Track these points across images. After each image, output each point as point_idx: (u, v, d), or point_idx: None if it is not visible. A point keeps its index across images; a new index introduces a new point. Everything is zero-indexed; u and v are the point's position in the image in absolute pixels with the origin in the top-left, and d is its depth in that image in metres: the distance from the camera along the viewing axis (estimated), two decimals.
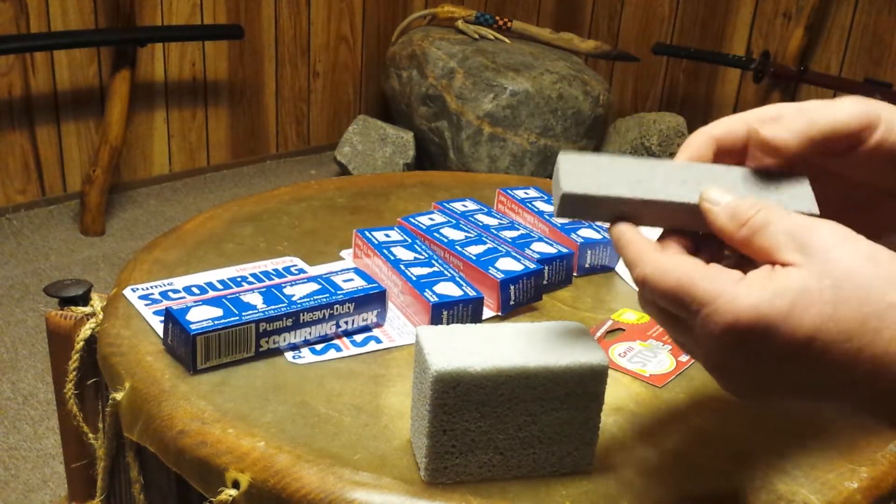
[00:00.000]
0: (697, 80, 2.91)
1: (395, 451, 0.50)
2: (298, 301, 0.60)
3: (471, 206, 0.80)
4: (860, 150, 0.44)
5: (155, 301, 0.64)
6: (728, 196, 0.42)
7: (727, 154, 0.46)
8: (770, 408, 0.47)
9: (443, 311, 0.62)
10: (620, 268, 0.76)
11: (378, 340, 0.62)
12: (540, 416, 0.48)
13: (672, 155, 2.68)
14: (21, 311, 1.98)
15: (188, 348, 0.55)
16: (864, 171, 0.46)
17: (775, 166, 0.45)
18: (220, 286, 0.66)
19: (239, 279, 0.68)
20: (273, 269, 0.70)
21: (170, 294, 0.65)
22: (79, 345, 0.63)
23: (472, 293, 0.64)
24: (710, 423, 0.55)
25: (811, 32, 2.57)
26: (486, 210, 0.80)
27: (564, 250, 0.72)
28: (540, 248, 0.72)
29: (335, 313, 0.61)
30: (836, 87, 2.46)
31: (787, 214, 0.40)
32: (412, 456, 0.50)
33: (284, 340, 0.59)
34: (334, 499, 0.46)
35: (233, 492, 0.48)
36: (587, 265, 0.75)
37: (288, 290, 0.61)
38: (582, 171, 0.44)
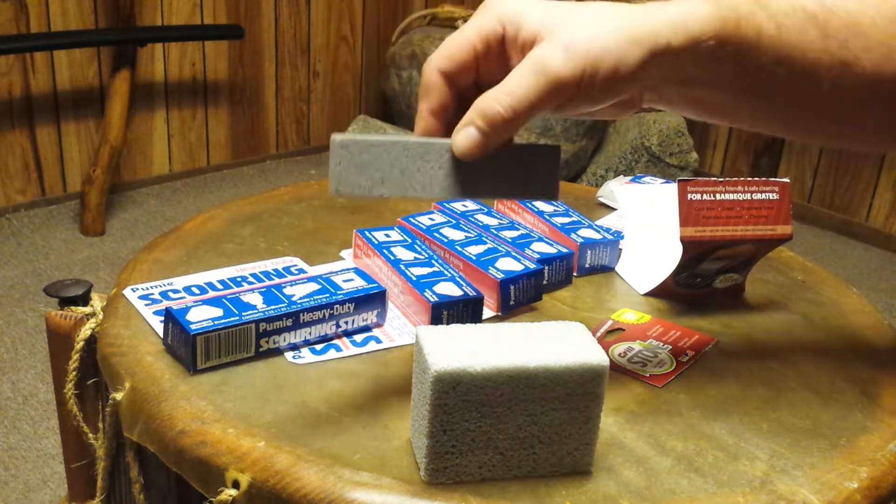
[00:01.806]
0: None
1: (395, 451, 0.50)
2: (298, 301, 0.60)
3: (471, 206, 0.80)
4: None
5: (155, 301, 0.64)
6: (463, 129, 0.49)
7: (461, 79, 0.51)
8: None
9: (443, 311, 0.62)
10: (620, 268, 0.76)
11: (378, 340, 0.62)
12: (540, 416, 0.48)
13: (672, 155, 2.69)
14: (21, 311, 1.98)
15: (188, 348, 0.55)
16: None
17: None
18: (220, 286, 0.66)
19: (239, 279, 0.68)
20: (273, 269, 0.70)
21: (170, 294, 0.65)
22: (79, 345, 0.63)
23: (472, 293, 0.64)
24: (711, 424, 0.55)
25: None
26: (486, 210, 0.80)
27: (564, 250, 0.72)
28: (540, 248, 0.72)
29: (335, 313, 0.61)
30: None
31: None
32: (412, 456, 0.50)
33: (284, 340, 0.59)
34: (334, 499, 0.46)
35: (233, 492, 0.48)
36: (587, 265, 0.75)
37: (288, 290, 0.61)
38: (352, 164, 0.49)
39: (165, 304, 0.63)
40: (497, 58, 0.51)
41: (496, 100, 0.48)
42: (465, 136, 0.49)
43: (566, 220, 0.78)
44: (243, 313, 0.58)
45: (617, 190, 0.86)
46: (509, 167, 0.52)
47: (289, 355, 0.59)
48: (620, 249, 0.77)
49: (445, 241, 0.72)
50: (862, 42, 0.50)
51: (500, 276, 0.66)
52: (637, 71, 0.48)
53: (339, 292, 0.62)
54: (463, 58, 0.50)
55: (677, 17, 0.48)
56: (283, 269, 0.70)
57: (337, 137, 0.49)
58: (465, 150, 0.49)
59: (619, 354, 0.63)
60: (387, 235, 0.72)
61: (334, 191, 0.49)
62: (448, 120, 0.51)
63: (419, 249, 0.70)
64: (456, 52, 0.50)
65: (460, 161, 0.50)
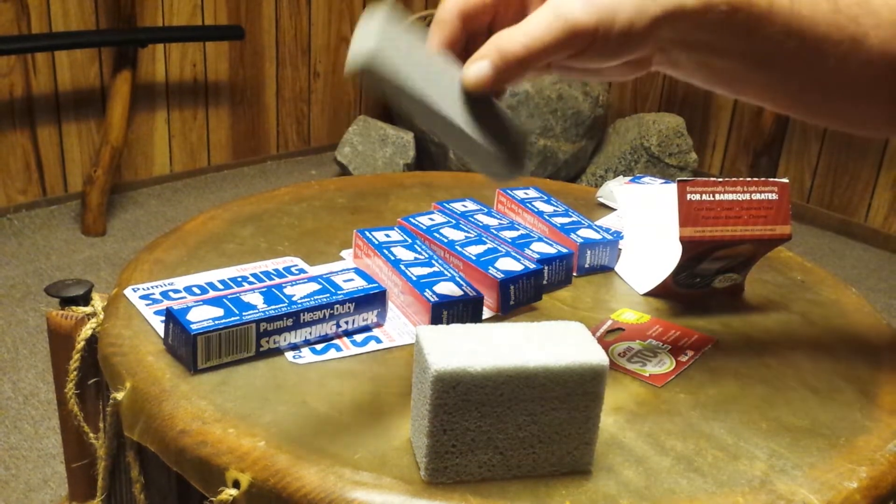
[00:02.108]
0: None
1: (395, 451, 0.50)
2: (299, 301, 0.60)
3: (471, 206, 0.80)
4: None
5: (156, 301, 0.64)
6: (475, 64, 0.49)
7: (477, 22, 0.51)
8: None
9: (443, 311, 0.63)
10: (620, 268, 0.76)
11: (378, 340, 0.62)
12: (540, 416, 0.48)
13: (671, 155, 2.69)
14: (22, 310, 1.98)
15: (189, 348, 0.56)
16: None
17: None
18: (220, 286, 0.66)
19: (239, 279, 0.68)
20: (273, 269, 0.70)
21: (170, 294, 0.65)
22: (80, 345, 0.64)
23: (472, 293, 0.64)
24: (710, 423, 0.55)
25: None
26: (486, 210, 0.80)
27: (564, 250, 0.72)
28: (540, 248, 0.72)
29: (335, 313, 0.61)
30: None
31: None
32: (412, 456, 0.50)
33: (285, 340, 0.59)
34: (334, 498, 0.46)
35: (233, 491, 0.48)
36: (587, 265, 0.75)
37: (288, 290, 0.62)
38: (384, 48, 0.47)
39: (166, 304, 0.63)
40: (516, 4, 0.51)
41: (512, 37, 0.48)
42: (478, 68, 0.49)
43: (566, 220, 0.78)
44: (244, 313, 0.58)
45: (616, 190, 0.86)
46: (495, 126, 0.52)
47: (289, 355, 0.59)
48: (620, 249, 0.77)
49: (445, 241, 0.72)
50: (873, 19, 0.50)
51: (500, 276, 0.66)
52: (652, 27, 0.48)
53: (339, 292, 0.62)
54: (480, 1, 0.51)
55: None
56: (284, 269, 0.70)
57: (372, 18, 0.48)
58: (474, 82, 0.49)
59: (619, 354, 0.63)
60: (387, 235, 0.72)
61: (368, 58, 0.46)
62: (456, 56, 0.51)
63: (419, 249, 0.70)
64: None
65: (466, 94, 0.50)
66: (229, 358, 0.57)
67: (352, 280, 0.64)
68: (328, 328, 0.61)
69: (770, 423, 0.56)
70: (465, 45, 0.52)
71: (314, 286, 0.62)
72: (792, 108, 0.56)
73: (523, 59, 0.48)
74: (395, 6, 0.51)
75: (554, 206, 0.82)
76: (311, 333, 0.60)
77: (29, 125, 2.41)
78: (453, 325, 0.49)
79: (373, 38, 0.47)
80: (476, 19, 0.51)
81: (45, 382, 1.72)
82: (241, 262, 0.71)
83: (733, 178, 0.66)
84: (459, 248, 0.70)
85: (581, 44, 0.48)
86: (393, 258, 0.68)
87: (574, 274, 0.74)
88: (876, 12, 0.51)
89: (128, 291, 0.65)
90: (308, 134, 3.07)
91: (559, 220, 0.78)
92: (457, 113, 0.49)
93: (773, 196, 0.66)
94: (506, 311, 0.67)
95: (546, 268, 0.70)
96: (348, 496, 0.46)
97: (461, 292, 0.64)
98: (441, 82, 0.49)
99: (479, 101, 0.50)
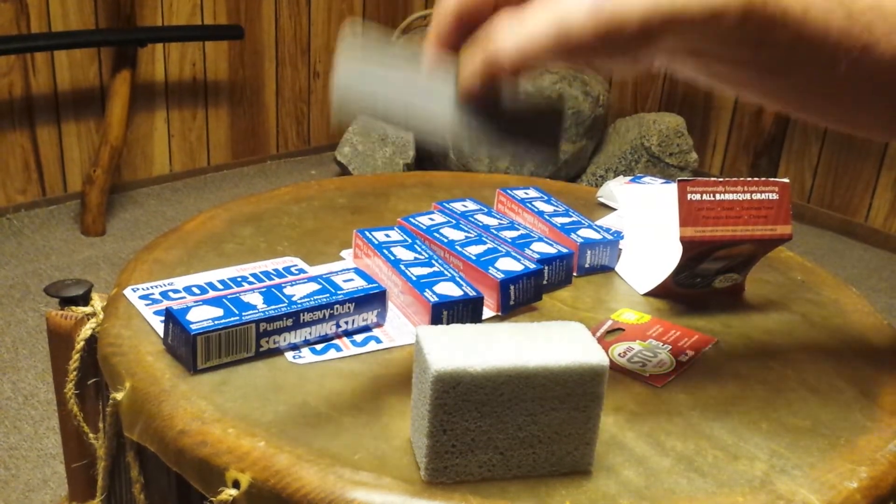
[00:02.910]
0: None
1: (395, 451, 0.50)
2: (298, 301, 0.60)
3: (471, 206, 0.80)
4: None
5: (155, 301, 0.64)
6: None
7: (473, 22, 0.49)
8: None
9: (443, 311, 0.62)
10: (620, 268, 0.76)
11: (378, 340, 0.62)
12: (540, 416, 0.48)
13: (671, 155, 2.69)
14: (21, 311, 1.98)
15: (188, 348, 0.55)
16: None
17: None
18: (220, 286, 0.66)
19: (239, 279, 0.68)
20: (273, 269, 0.70)
21: (170, 294, 0.65)
22: (79, 345, 0.63)
23: (472, 293, 0.64)
24: (710, 423, 0.55)
25: None
26: (486, 210, 0.80)
27: (564, 250, 0.72)
28: (540, 248, 0.72)
29: (335, 313, 0.61)
30: None
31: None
32: (412, 456, 0.50)
33: (285, 340, 0.59)
34: (334, 499, 0.46)
35: (233, 491, 0.48)
36: (587, 265, 0.75)
37: (288, 290, 0.62)
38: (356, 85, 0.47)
39: (166, 304, 0.63)
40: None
41: (505, 39, 0.45)
42: (470, 72, 0.47)
43: (566, 220, 0.78)
44: (243, 313, 0.58)
45: (617, 190, 0.86)
46: (514, 119, 0.50)
47: (289, 355, 0.59)
48: (620, 249, 0.77)
49: (445, 241, 0.72)
50: (885, 25, 0.50)
51: (500, 276, 0.66)
52: (657, 37, 0.46)
53: (339, 292, 0.62)
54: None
55: None
56: (284, 269, 0.70)
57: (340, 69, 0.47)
58: (468, 87, 0.47)
59: (619, 354, 0.63)
60: (387, 235, 0.72)
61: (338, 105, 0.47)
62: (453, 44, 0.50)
63: (419, 249, 0.70)
64: None
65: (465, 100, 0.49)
66: (229, 358, 0.57)
67: (352, 280, 0.64)
68: (328, 328, 0.61)
69: (770, 423, 0.56)
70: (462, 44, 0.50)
71: (314, 286, 0.62)
72: (798, 110, 0.56)
73: (517, 63, 0.46)
74: (369, 31, 0.50)
75: (554, 205, 0.81)
76: (311, 333, 0.60)
77: (28, 125, 2.41)
78: (453, 325, 0.49)
79: (343, 78, 0.47)
80: (474, 19, 0.49)
81: (44, 382, 1.72)
82: (240, 262, 0.71)
83: (734, 178, 0.66)
84: (459, 248, 0.70)
85: (582, 55, 0.47)
86: (393, 258, 0.68)
87: (574, 274, 0.74)
88: (888, 17, 0.50)
89: (127, 291, 0.65)
90: (308, 134, 3.07)
91: (559, 220, 0.78)
92: (454, 122, 0.48)
93: (774, 196, 0.66)
94: (506, 311, 0.67)
95: (546, 268, 0.70)
96: (348, 496, 0.46)
97: (461, 292, 0.64)
98: (432, 99, 0.48)
99: (484, 100, 0.49)
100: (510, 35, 0.46)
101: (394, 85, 0.48)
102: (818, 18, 0.49)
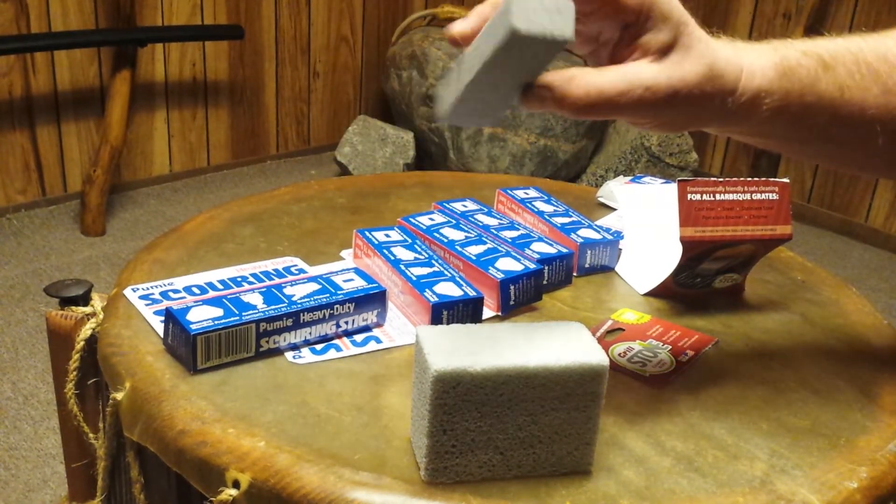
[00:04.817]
0: None
1: (395, 451, 0.50)
2: (298, 301, 0.60)
3: (471, 206, 0.80)
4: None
5: (155, 301, 0.64)
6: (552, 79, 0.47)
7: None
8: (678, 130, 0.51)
9: (443, 311, 0.62)
10: (620, 268, 0.76)
11: (378, 340, 0.62)
12: (540, 416, 0.48)
13: (671, 155, 2.69)
14: (21, 311, 1.98)
15: (188, 348, 0.55)
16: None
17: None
18: (220, 286, 0.66)
19: (239, 279, 0.68)
20: (273, 269, 0.70)
21: (170, 294, 0.65)
22: (79, 345, 0.63)
23: (472, 293, 0.64)
24: (710, 423, 0.55)
25: (811, 33, 2.57)
26: (486, 210, 0.80)
27: (564, 250, 0.72)
28: (540, 248, 0.72)
29: (335, 313, 0.61)
30: None
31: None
32: (412, 456, 0.50)
33: (285, 340, 0.59)
34: (334, 499, 0.46)
35: (233, 491, 0.48)
36: (587, 265, 0.75)
37: (288, 290, 0.62)
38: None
39: (166, 304, 0.63)
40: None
41: (585, 93, 0.46)
42: (538, 101, 0.47)
43: (566, 220, 0.78)
44: (243, 313, 0.58)
45: (617, 190, 0.86)
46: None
47: (289, 355, 0.59)
48: (620, 249, 0.77)
49: (445, 241, 0.72)
50: None
51: (500, 276, 0.66)
52: (716, 122, 0.48)
53: (339, 292, 0.62)
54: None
55: (746, 73, 0.48)
56: (284, 269, 0.70)
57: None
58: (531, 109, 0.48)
59: (619, 354, 0.63)
60: (387, 235, 0.72)
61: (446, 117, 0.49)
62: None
63: (419, 249, 0.70)
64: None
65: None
66: (229, 358, 0.57)
67: (352, 280, 0.64)
68: (328, 328, 0.61)
69: (770, 423, 0.56)
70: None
71: (314, 286, 0.62)
72: (839, 168, 0.57)
73: (583, 113, 0.46)
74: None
75: (554, 205, 0.81)
76: (310, 333, 0.60)
77: (28, 125, 2.41)
78: (453, 325, 0.49)
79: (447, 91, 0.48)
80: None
81: (44, 382, 1.72)
82: (240, 262, 0.71)
83: (734, 178, 0.66)
84: (459, 248, 0.70)
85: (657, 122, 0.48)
86: (393, 258, 0.68)
87: (574, 274, 0.74)
88: None
89: (127, 291, 0.65)
90: (308, 134, 3.07)
91: (559, 220, 0.78)
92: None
93: (774, 196, 0.66)
94: (506, 311, 0.67)
95: (546, 268, 0.70)
96: (348, 496, 0.46)
97: (461, 292, 0.64)
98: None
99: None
100: (592, 90, 0.46)
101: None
102: (855, 97, 0.50)
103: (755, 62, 0.49)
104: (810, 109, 0.49)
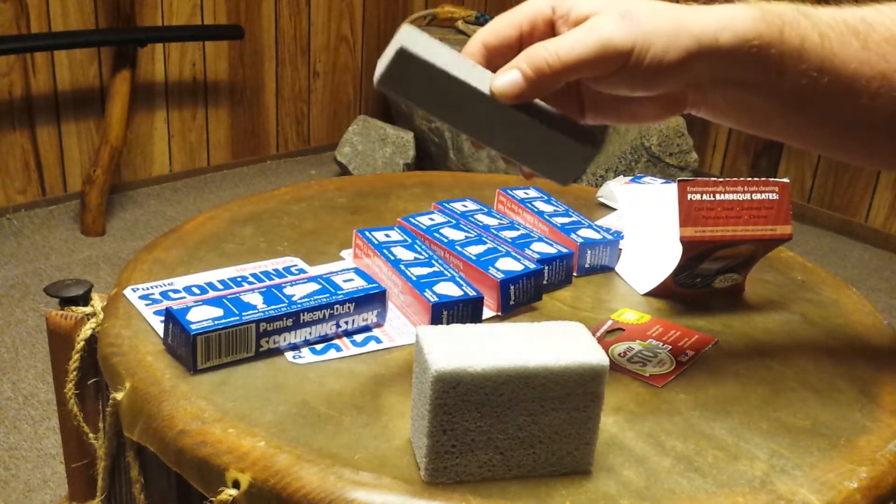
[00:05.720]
0: None
1: (395, 451, 0.50)
2: (298, 301, 0.60)
3: (471, 206, 0.80)
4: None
5: (155, 301, 0.64)
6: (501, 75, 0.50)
7: (501, 56, 0.52)
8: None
9: (443, 311, 0.62)
10: (620, 268, 0.76)
11: (378, 340, 0.62)
12: (540, 416, 0.48)
13: (671, 155, 2.69)
14: (21, 311, 1.98)
15: (188, 348, 0.55)
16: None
17: None
18: (220, 286, 0.66)
19: (239, 279, 0.68)
20: (273, 269, 0.70)
21: (170, 294, 0.65)
22: (79, 345, 0.63)
23: (472, 293, 0.64)
24: (710, 423, 0.55)
25: None
26: (486, 210, 0.80)
27: (564, 250, 0.72)
28: (540, 248, 0.72)
29: (335, 313, 0.61)
30: None
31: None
32: (412, 456, 0.50)
33: (285, 340, 0.59)
34: (334, 499, 0.46)
35: (233, 491, 0.48)
36: (587, 265, 0.75)
37: (288, 290, 0.62)
38: (421, 43, 0.49)
39: (166, 304, 0.63)
40: (542, 37, 0.51)
41: (545, 48, 0.49)
42: (508, 77, 0.49)
43: (566, 220, 0.78)
44: (243, 313, 0.58)
45: (617, 190, 0.86)
46: (539, 138, 0.52)
47: (289, 355, 0.59)
48: (620, 249, 0.77)
49: (445, 241, 0.72)
50: None
51: (500, 276, 0.66)
52: (685, 59, 0.49)
53: (339, 292, 0.62)
54: (507, 33, 0.52)
55: (726, 18, 0.50)
56: (284, 269, 0.70)
57: (404, 42, 0.49)
58: (503, 91, 0.49)
59: (619, 354, 0.63)
60: (387, 235, 0.72)
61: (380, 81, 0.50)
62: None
63: (419, 249, 0.70)
64: (501, 28, 0.52)
65: (498, 109, 0.50)
66: (229, 358, 0.57)
67: (352, 280, 0.64)
68: (328, 328, 0.61)
69: (770, 423, 0.56)
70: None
71: (314, 286, 0.62)
72: (818, 146, 0.57)
73: (556, 70, 0.48)
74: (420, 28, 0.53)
75: (554, 205, 0.81)
76: (310, 333, 0.60)
77: (28, 125, 2.41)
78: (453, 325, 0.49)
79: (406, 38, 0.49)
80: (502, 52, 0.52)
81: (44, 382, 1.72)
82: (240, 262, 0.71)
83: (734, 178, 0.66)
84: (459, 248, 0.70)
85: (613, 64, 0.48)
86: (393, 258, 0.68)
87: (574, 274, 0.74)
88: None
89: (127, 291, 0.65)
90: (308, 134, 3.07)
91: (559, 220, 0.78)
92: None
93: (774, 196, 0.66)
94: (506, 311, 0.67)
95: (546, 268, 0.70)
96: (348, 496, 0.46)
97: (461, 292, 0.64)
98: (477, 77, 0.50)
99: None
100: (550, 45, 0.49)
101: (450, 55, 0.50)
102: (835, 46, 0.51)
103: (735, 13, 0.50)
104: (794, 55, 0.50)
